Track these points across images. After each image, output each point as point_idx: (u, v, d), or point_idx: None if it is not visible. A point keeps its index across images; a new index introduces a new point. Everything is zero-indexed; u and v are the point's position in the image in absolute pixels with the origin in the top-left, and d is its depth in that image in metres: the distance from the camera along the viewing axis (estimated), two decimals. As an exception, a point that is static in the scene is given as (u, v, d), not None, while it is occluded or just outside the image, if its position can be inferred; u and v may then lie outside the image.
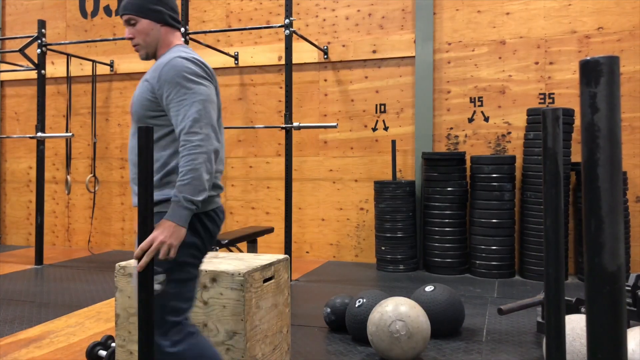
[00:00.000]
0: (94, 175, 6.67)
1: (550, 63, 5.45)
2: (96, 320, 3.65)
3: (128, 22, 1.94)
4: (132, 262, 2.58)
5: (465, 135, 5.67)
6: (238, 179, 6.45)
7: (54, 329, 3.45)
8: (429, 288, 3.37)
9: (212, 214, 1.90)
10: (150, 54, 1.99)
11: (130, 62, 6.90)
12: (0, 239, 7.38)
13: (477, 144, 5.64)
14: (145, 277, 1.76)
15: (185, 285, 1.84)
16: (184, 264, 1.83)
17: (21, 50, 5.70)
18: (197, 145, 1.72)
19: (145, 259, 1.65)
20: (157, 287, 1.76)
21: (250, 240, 4.99)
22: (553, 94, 5.43)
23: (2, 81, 7.45)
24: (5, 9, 7.51)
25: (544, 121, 1.53)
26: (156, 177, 1.82)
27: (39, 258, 5.69)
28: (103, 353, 2.80)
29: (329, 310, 3.41)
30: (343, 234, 6.04)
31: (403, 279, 5.01)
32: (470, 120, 5.66)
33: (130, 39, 1.96)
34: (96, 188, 6.76)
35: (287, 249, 4.97)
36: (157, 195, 1.81)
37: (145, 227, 1.75)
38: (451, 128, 5.72)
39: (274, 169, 6.30)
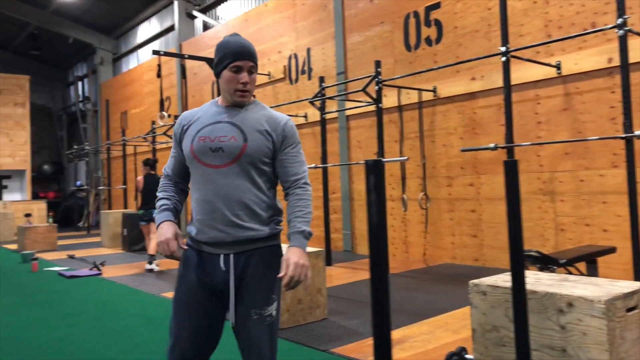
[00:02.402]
0: (425, 193, 7.32)
1: None
2: (445, 330, 4.05)
3: (250, 70, 2.03)
4: (485, 280, 2.82)
5: None
6: (568, 193, 6.16)
7: (410, 334, 3.98)
8: None
9: None
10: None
11: (451, 86, 7.35)
12: (352, 249, 8.78)
13: None
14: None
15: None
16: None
17: (364, 89, 6.72)
18: (310, 194, 2.07)
19: (294, 284, 1.92)
20: (274, 313, 2.00)
21: (590, 260, 4.72)
22: None
23: (347, 116, 8.88)
24: (347, 55, 8.94)
25: None
26: (266, 215, 2.04)
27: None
28: (460, 362, 3.12)
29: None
30: None
31: None
32: None
33: (246, 83, 2.03)
34: (427, 205, 7.41)
35: (637, 273, 4.52)
36: (269, 230, 2.04)
37: (516, 250, 1.92)
38: None
39: (609, 182, 5.80)
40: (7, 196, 18.20)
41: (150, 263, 7.54)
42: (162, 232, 2.00)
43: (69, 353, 3.79)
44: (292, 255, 1.93)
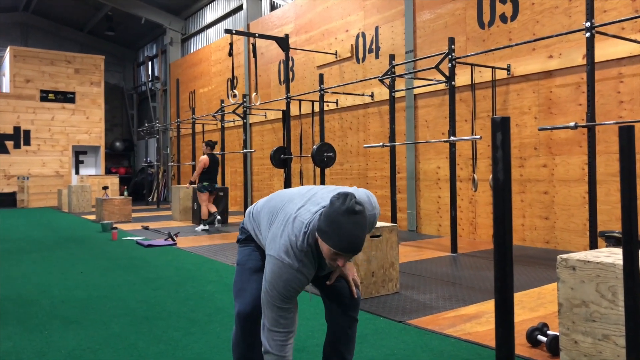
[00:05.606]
0: (495, 174, 7.18)
1: None
2: (520, 308, 4.02)
3: (349, 257, 2.10)
4: (574, 256, 2.79)
5: None
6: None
7: (485, 310, 3.98)
8: None
9: None
10: None
11: (526, 65, 7.14)
12: (417, 229, 8.77)
13: None
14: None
15: None
16: None
17: (436, 67, 6.64)
18: None
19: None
20: None
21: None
22: None
23: (415, 95, 8.81)
24: (416, 33, 8.83)
25: None
26: None
27: (453, 247, 6.55)
28: (542, 338, 3.12)
29: None
30: None
31: None
32: None
33: (339, 265, 2.15)
34: (496, 186, 7.26)
35: None
36: None
37: (630, 221, 1.84)
38: None
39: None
40: (83, 171, 19.29)
41: (204, 225, 9.43)
42: None
43: (157, 313, 4.05)
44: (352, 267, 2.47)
